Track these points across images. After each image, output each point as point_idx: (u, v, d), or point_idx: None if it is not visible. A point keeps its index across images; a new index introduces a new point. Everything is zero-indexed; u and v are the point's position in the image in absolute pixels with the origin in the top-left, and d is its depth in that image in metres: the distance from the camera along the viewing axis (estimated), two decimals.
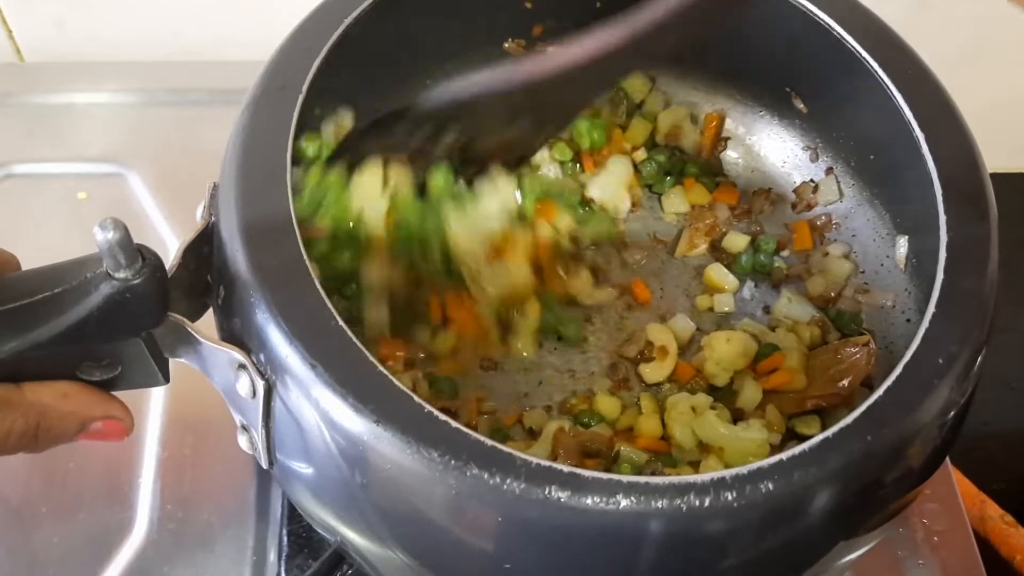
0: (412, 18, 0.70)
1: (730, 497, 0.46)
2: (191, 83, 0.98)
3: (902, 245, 0.68)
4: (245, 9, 1.02)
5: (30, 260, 0.54)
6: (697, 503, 0.45)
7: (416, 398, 0.47)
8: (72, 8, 1.02)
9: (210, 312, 0.58)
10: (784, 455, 0.47)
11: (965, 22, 1.04)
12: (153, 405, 0.78)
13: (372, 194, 0.64)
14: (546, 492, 0.45)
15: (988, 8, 1.04)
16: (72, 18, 1.02)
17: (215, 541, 0.73)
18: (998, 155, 0.67)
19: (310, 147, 0.65)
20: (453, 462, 0.46)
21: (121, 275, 0.48)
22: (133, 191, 0.90)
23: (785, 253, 0.77)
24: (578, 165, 0.80)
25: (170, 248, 0.84)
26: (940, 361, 0.51)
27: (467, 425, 0.60)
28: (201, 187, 0.57)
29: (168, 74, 1.00)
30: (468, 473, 0.46)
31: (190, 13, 1.02)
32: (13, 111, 0.96)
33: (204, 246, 0.56)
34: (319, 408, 0.48)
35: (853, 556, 0.57)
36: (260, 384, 0.51)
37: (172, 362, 0.56)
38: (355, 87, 0.70)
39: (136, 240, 0.48)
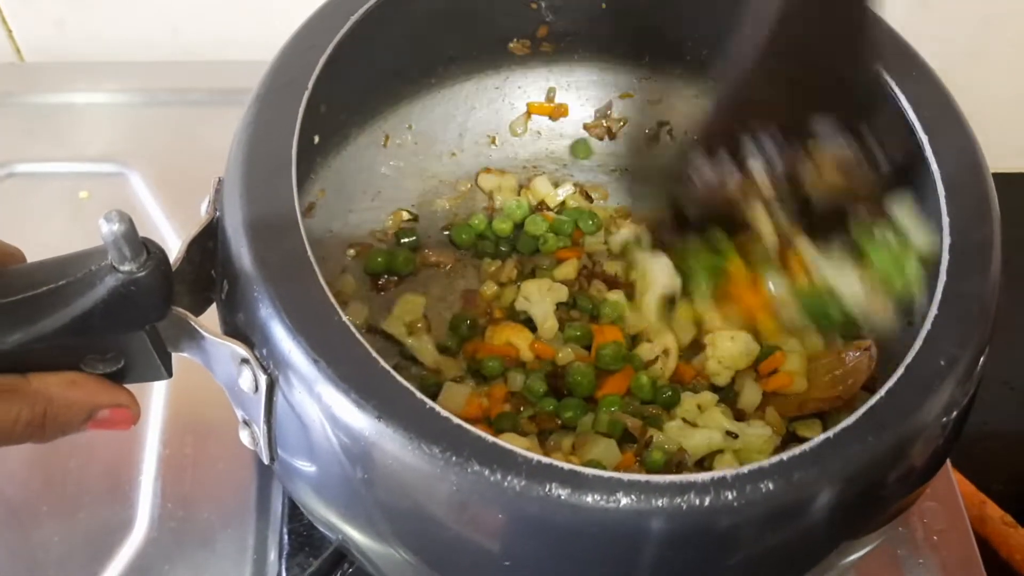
0: (418, 17, 0.70)
1: (730, 496, 0.46)
2: (191, 83, 0.99)
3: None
4: (245, 9, 1.02)
5: (32, 259, 0.53)
6: (697, 502, 0.45)
7: (418, 394, 0.47)
8: (72, 8, 1.02)
9: (214, 306, 0.57)
10: (785, 455, 0.47)
11: (965, 22, 1.04)
12: (154, 404, 0.78)
13: None
14: (547, 489, 0.45)
15: (988, 8, 1.04)
16: (72, 18, 1.03)
17: (216, 540, 0.73)
18: (999, 155, 0.67)
19: None
20: (454, 458, 0.46)
21: (126, 268, 0.48)
22: (134, 190, 0.90)
23: None
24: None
25: (171, 247, 0.84)
26: (941, 363, 0.51)
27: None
28: (201, 187, 0.57)
29: (168, 74, 1.00)
30: (469, 469, 0.45)
31: (190, 13, 1.02)
32: (13, 111, 0.96)
33: (208, 240, 0.56)
34: (321, 403, 0.48)
35: (855, 556, 0.56)
36: (262, 379, 0.51)
37: (174, 359, 0.56)
38: (361, 84, 0.71)
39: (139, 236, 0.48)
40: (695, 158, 0.67)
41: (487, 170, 0.81)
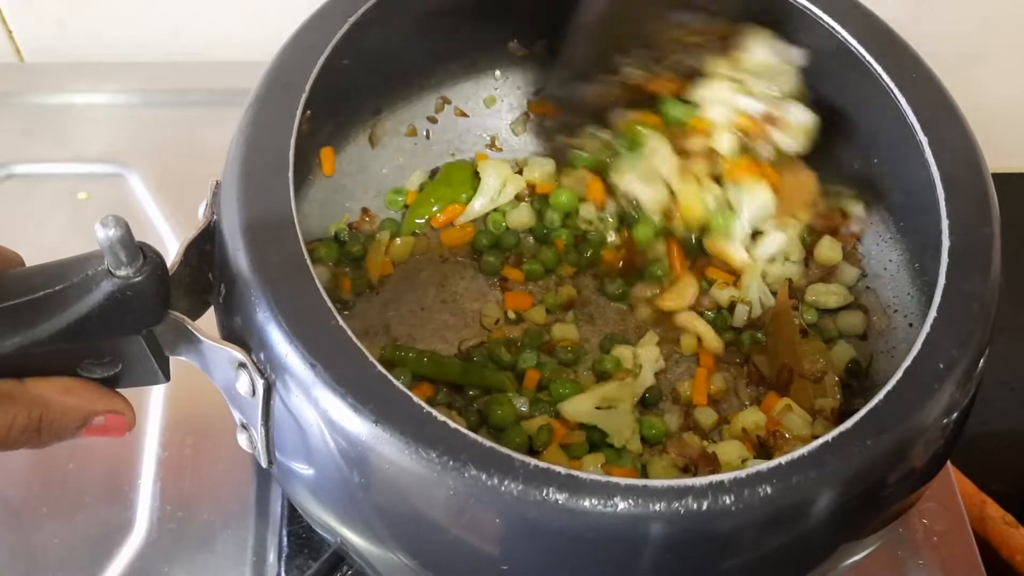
0: (416, 18, 0.70)
1: (728, 501, 0.46)
2: (191, 83, 0.98)
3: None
4: (245, 9, 1.02)
5: (31, 260, 0.54)
6: (695, 506, 0.45)
7: (415, 398, 0.47)
8: (72, 8, 1.01)
9: (211, 310, 0.58)
10: (783, 459, 0.47)
11: (965, 22, 1.04)
12: (153, 405, 0.78)
13: None
14: (544, 494, 0.45)
15: (987, 8, 1.04)
16: (72, 18, 1.02)
17: (215, 541, 0.73)
18: (998, 155, 0.67)
19: None
20: (451, 463, 0.46)
21: (122, 273, 0.48)
22: (133, 191, 0.90)
23: None
24: None
25: (170, 248, 0.84)
26: (941, 366, 0.51)
27: None
28: (201, 187, 0.57)
29: (168, 74, 1.00)
30: (466, 474, 0.45)
31: (190, 13, 1.02)
32: (13, 111, 0.96)
33: (206, 244, 0.56)
34: (318, 408, 0.48)
35: (856, 558, 0.56)
36: (260, 383, 0.51)
37: (173, 361, 0.56)
38: (358, 85, 0.71)
39: (136, 240, 0.48)
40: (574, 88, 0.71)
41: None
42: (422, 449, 0.46)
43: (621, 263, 0.77)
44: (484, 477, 0.45)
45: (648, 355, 0.71)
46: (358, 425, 0.47)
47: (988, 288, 0.55)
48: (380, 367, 0.48)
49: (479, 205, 0.78)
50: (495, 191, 0.78)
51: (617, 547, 0.47)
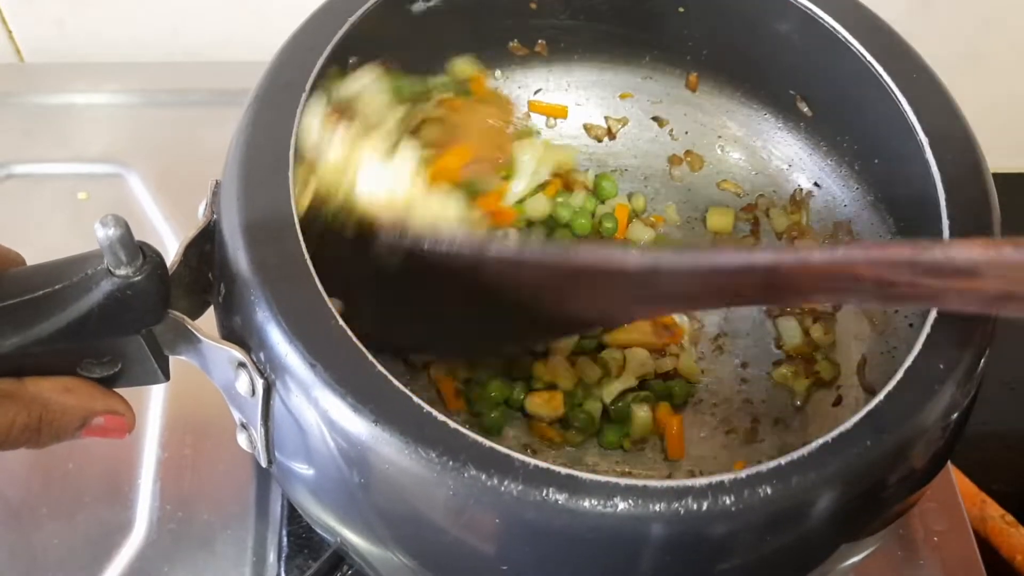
0: (417, 18, 0.70)
1: (728, 501, 0.46)
2: (191, 83, 0.98)
3: None
4: (245, 9, 1.02)
5: (31, 260, 0.54)
6: (695, 507, 0.45)
7: (415, 398, 0.47)
8: (72, 8, 1.02)
9: (211, 310, 0.58)
10: (783, 460, 0.47)
11: (965, 23, 1.04)
12: (153, 405, 0.78)
13: None
14: (544, 494, 0.45)
15: (988, 8, 1.04)
16: (72, 18, 1.03)
17: (215, 541, 0.73)
18: (998, 155, 0.67)
19: None
20: (451, 463, 0.46)
21: (122, 272, 0.48)
22: (133, 191, 0.90)
23: None
24: None
25: (170, 248, 0.84)
26: (942, 366, 0.51)
27: None
28: (201, 187, 0.57)
29: (168, 74, 1.00)
30: (466, 474, 0.45)
31: (190, 13, 1.02)
32: (13, 111, 0.96)
33: (206, 244, 0.56)
34: (318, 407, 0.48)
35: (856, 559, 0.56)
36: (259, 383, 0.51)
37: (172, 361, 0.56)
38: None
39: (135, 239, 0.48)
40: None
41: None
42: (422, 449, 0.46)
43: None
44: (484, 477, 0.45)
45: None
46: (358, 425, 0.47)
47: None
48: (380, 367, 0.48)
49: (518, 188, 0.75)
50: (531, 171, 0.75)
51: (617, 548, 0.47)
